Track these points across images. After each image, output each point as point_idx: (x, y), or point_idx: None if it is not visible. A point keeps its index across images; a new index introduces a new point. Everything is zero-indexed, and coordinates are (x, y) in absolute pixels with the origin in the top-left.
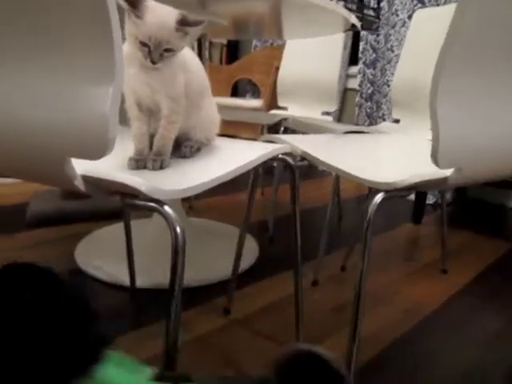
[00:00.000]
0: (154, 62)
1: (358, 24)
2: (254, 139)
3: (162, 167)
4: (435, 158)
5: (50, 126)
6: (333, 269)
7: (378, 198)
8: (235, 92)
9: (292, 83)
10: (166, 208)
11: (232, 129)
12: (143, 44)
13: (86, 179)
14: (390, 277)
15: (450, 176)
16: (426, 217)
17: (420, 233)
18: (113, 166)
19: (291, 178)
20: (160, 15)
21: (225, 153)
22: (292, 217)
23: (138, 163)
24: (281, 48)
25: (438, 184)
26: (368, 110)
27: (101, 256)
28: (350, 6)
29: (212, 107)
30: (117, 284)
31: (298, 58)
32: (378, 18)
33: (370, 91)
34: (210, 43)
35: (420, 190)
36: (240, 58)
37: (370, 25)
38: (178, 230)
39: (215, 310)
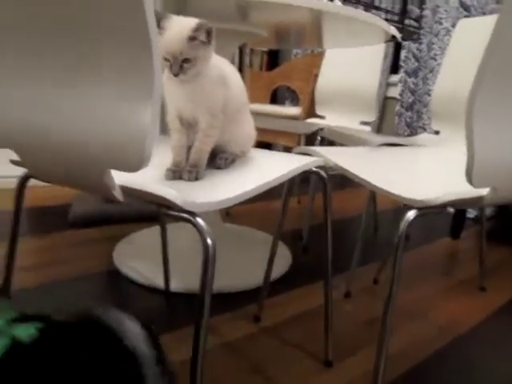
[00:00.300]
0: (175, 75)
1: (398, 35)
2: (292, 147)
3: (197, 178)
4: (469, 177)
5: (92, 138)
6: (366, 281)
7: (411, 215)
8: (274, 99)
9: (330, 92)
10: (199, 220)
11: (270, 136)
12: (165, 59)
13: (124, 189)
14: (425, 292)
15: (486, 195)
16: (466, 231)
17: (458, 247)
18: (151, 176)
19: (323, 190)
20: (175, 28)
21: (259, 165)
22: (325, 227)
23: (175, 174)
24: (321, 55)
25: (474, 203)
26: (408, 120)
27: (138, 258)
28: (390, 17)
29: (249, 122)
30: (152, 287)
31: (337, 66)
32: (419, 28)
33: (410, 100)
34: (251, 50)
35: (455, 207)
36: (280, 64)
37: (411, 35)
38: (209, 241)
39: (246, 316)
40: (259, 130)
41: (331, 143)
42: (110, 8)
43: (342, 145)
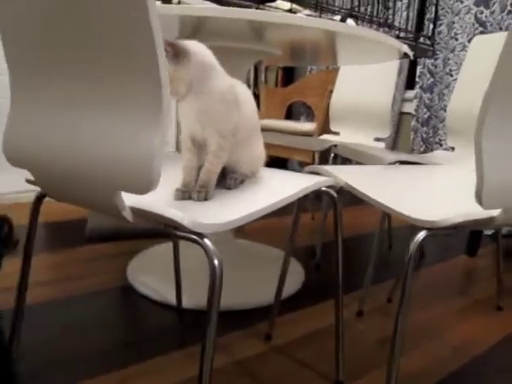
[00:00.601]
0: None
1: (411, 53)
2: (308, 163)
3: (206, 198)
4: (479, 198)
5: (102, 161)
6: (379, 299)
7: (420, 236)
8: (290, 114)
9: (344, 108)
10: (206, 241)
11: (285, 152)
12: None
13: (134, 210)
14: (440, 311)
15: (498, 216)
16: (483, 248)
17: (475, 265)
18: (162, 196)
19: (334, 209)
20: None
21: (268, 185)
22: (336, 246)
23: (184, 194)
24: (336, 71)
25: (485, 224)
26: (424, 135)
27: (151, 274)
28: (405, 35)
29: (259, 144)
30: (164, 303)
31: (351, 83)
32: (432, 45)
33: (426, 116)
34: (266, 66)
35: (466, 229)
36: (295, 80)
37: (424, 53)
38: (216, 262)
39: (256, 334)
40: (275, 147)
41: (345, 160)
42: (122, 37)
43: (356, 162)
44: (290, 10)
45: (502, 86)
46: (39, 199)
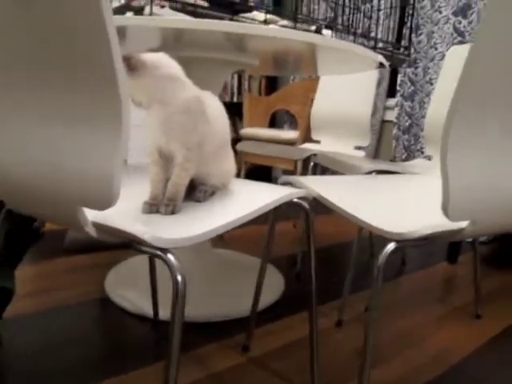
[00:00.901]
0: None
1: (386, 63)
2: (291, 171)
3: (173, 212)
4: (445, 210)
5: (63, 176)
6: (358, 309)
7: (389, 247)
8: (274, 122)
9: (325, 116)
10: (169, 256)
11: (269, 161)
12: None
13: (97, 226)
14: (420, 319)
15: (466, 228)
16: (464, 255)
17: (455, 272)
18: (128, 209)
19: (305, 221)
20: None
21: (239, 197)
22: (309, 257)
23: (152, 208)
24: (318, 79)
25: (453, 235)
26: (405, 143)
27: (128, 286)
28: (382, 44)
29: (230, 156)
30: (141, 315)
31: (331, 91)
32: (409, 55)
33: (407, 124)
34: (249, 75)
35: (435, 241)
36: (278, 88)
37: (402, 62)
38: (179, 278)
39: (235, 346)
40: (258, 155)
41: (325, 169)
42: (79, 52)
43: (334, 171)
44: (265, 21)
45: (466, 98)
46: (6, 213)
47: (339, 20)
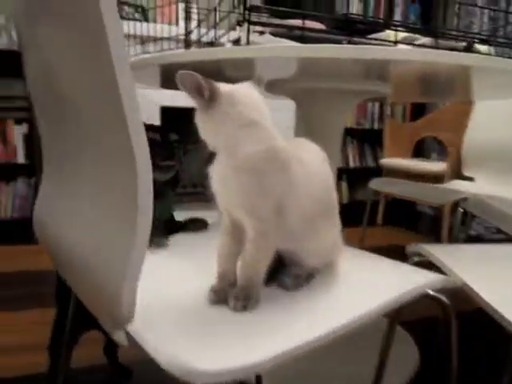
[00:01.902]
0: None
1: None
2: (438, 207)
3: (245, 308)
4: None
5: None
6: None
7: None
8: (419, 151)
9: (482, 146)
10: None
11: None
12: None
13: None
14: None
15: None
16: None
17: None
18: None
19: (445, 322)
20: None
21: (340, 288)
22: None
23: (219, 295)
24: (474, 103)
25: None
26: None
27: None
28: None
29: (335, 226)
30: None
31: (491, 117)
32: None
33: None
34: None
35: None
36: (426, 113)
37: None
38: None
39: None
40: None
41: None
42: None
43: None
44: (395, 42)
45: None
46: None
47: (501, 32)
